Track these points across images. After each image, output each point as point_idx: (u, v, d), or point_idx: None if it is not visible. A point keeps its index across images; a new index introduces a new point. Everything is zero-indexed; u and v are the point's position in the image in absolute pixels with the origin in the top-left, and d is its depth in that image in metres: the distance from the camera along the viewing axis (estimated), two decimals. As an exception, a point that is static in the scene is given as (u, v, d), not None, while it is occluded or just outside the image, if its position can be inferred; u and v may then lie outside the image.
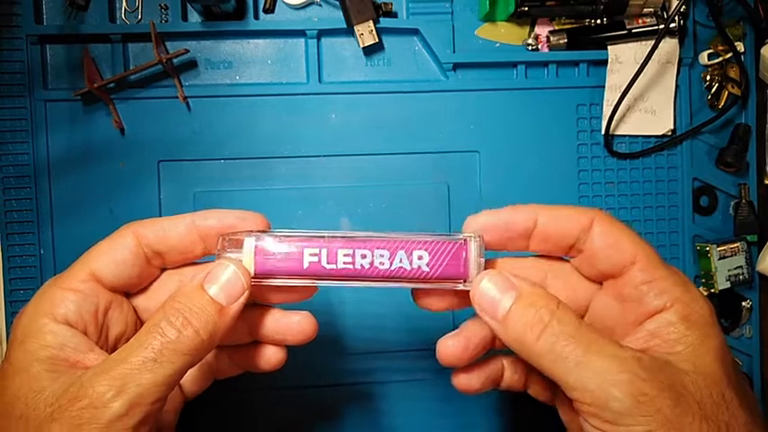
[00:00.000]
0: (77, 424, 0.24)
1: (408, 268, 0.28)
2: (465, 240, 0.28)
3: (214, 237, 0.29)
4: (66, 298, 0.27)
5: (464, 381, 0.32)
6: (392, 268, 0.28)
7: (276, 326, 0.32)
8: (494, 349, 0.32)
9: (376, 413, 0.46)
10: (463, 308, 0.30)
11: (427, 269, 0.28)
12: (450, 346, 0.30)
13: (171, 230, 0.29)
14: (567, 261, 0.30)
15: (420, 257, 0.28)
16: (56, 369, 0.26)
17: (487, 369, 0.32)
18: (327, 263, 0.28)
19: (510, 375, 0.33)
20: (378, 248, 0.28)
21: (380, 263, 0.28)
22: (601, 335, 0.25)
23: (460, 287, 0.28)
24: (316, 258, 0.28)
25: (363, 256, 0.28)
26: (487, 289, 0.27)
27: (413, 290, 0.30)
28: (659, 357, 0.25)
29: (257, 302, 0.32)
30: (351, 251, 0.28)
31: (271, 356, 0.32)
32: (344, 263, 0.28)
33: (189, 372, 0.27)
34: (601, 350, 0.24)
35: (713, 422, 0.24)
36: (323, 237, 0.28)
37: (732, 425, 0.24)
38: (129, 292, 0.30)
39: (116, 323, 0.29)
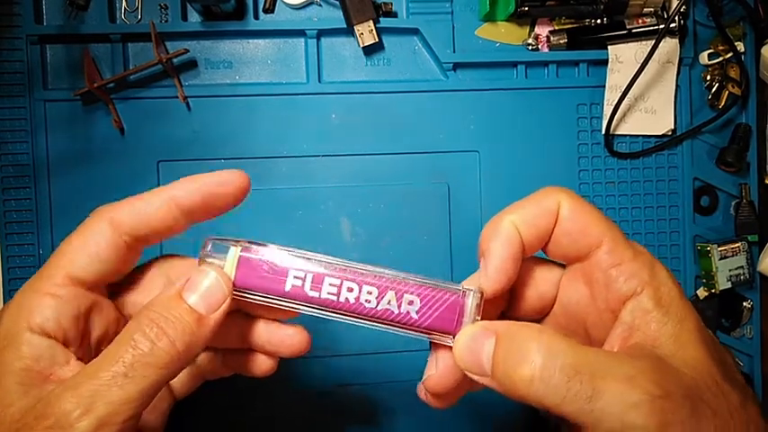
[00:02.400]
0: None
1: (395, 312, 0.26)
2: (464, 293, 0.26)
3: (198, 211, 0.27)
4: (43, 304, 0.25)
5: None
6: (378, 308, 0.26)
7: (269, 337, 0.30)
8: None
9: (377, 415, 0.46)
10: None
11: (416, 316, 0.26)
12: (437, 386, 0.27)
13: (148, 211, 0.27)
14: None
15: (411, 302, 0.26)
16: (28, 382, 0.24)
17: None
18: (311, 289, 0.26)
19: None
20: (366, 284, 0.26)
21: (366, 300, 0.26)
22: (597, 351, 0.24)
23: (450, 343, 0.26)
24: (300, 282, 0.26)
25: (350, 290, 0.26)
26: (465, 343, 0.25)
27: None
28: (650, 354, 0.24)
29: (245, 311, 0.31)
30: (338, 282, 0.26)
31: (262, 363, 0.31)
32: (329, 293, 0.26)
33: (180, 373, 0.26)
34: (608, 374, 0.22)
35: (719, 416, 0.23)
36: (311, 260, 0.26)
37: (732, 411, 0.24)
38: (113, 283, 0.28)
39: (98, 326, 0.27)
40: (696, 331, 0.25)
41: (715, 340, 0.27)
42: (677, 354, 0.24)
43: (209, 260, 0.26)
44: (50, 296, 0.25)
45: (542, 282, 0.29)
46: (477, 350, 0.24)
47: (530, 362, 0.23)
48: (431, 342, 0.27)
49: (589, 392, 0.22)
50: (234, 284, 0.26)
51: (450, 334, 0.26)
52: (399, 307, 0.26)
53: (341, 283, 0.26)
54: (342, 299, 0.26)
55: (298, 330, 0.30)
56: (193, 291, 0.25)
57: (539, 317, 0.30)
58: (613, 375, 0.22)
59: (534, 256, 0.29)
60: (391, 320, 0.26)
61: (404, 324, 0.26)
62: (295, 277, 0.26)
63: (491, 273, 0.26)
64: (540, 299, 0.29)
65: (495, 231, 0.26)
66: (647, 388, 0.22)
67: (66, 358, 0.25)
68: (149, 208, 0.27)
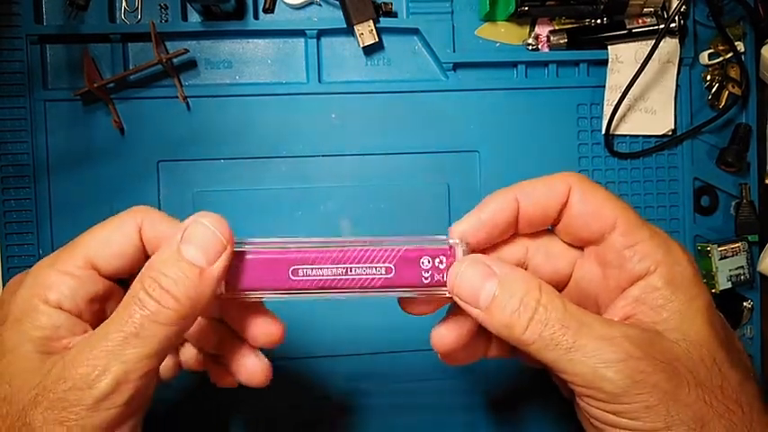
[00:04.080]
0: (62, 407, 0.23)
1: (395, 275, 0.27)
2: (450, 247, 0.27)
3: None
4: (61, 281, 0.26)
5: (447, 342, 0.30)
6: (377, 277, 0.27)
7: (237, 358, 0.31)
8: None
9: (377, 415, 0.46)
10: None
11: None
12: (446, 336, 0.29)
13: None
14: (547, 231, 0.30)
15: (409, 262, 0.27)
16: (47, 350, 0.25)
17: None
18: (311, 275, 0.26)
19: (497, 342, 0.32)
20: (361, 258, 0.26)
21: (364, 272, 0.27)
22: (588, 314, 0.25)
23: (447, 294, 0.27)
24: (300, 269, 0.26)
25: (348, 270, 0.26)
26: (466, 278, 0.26)
27: (399, 299, 0.29)
28: (648, 328, 0.25)
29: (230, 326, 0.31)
30: (333, 263, 0.26)
31: (226, 377, 0.32)
32: (330, 274, 0.26)
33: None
34: (591, 332, 0.24)
35: (707, 388, 0.24)
36: (304, 245, 0.27)
37: (725, 387, 0.24)
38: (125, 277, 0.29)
39: (111, 311, 0.27)
40: (704, 309, 0.26)
41: (724, 322, 0.28)
42: (679, 327, 0.25)
43: None
44: (69, 275, 0.26)
45: (559, 258, 0.29)
46: (476, 287, 0.26)
47: (527, 313, 0.25)
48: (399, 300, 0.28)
49: (570, 344, 0.24)
50: (227, 285, 0.26)
51: (443, 285, 0.27)
52: (398, 270, 0.27)
53: (337, 264, 0.26)
54: (339, 278, 0.26)
55: (263, 366, 0.30)
56: (191, 243, 0.25)
57: None
58: (596, 334, 0.24)
59: (553, 234, 0.30)
60: (395, 285, 0.27)
61: (405, 286, 0.27)
62: (293, 267, 0.26)
63: (468, 217, 0.28)
64: (556, 274, 0.30)
65: (494, 194, 0.28)
66: (625, 348, 0.24)
67: (83, 329, 0.26)
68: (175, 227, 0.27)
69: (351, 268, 0.26)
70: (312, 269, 0.26)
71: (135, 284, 0.25)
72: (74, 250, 0.27)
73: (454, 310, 0.29)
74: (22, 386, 0.24)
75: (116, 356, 0.23)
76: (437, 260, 0.27)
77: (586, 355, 0.24)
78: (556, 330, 0.24)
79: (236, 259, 0.26)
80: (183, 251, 0.25)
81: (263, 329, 0.29)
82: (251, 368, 0.30)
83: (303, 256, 0.26)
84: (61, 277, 0.26)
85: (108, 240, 0.27)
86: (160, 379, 0.33)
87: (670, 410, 0.23)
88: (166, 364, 0.33)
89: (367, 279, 0.27)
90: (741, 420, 0.24)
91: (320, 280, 0.27)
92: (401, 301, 0.29)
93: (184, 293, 0.24)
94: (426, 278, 0.27)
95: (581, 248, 0.29)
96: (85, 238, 0.27)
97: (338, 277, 0.27)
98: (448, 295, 0.27)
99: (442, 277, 0.27)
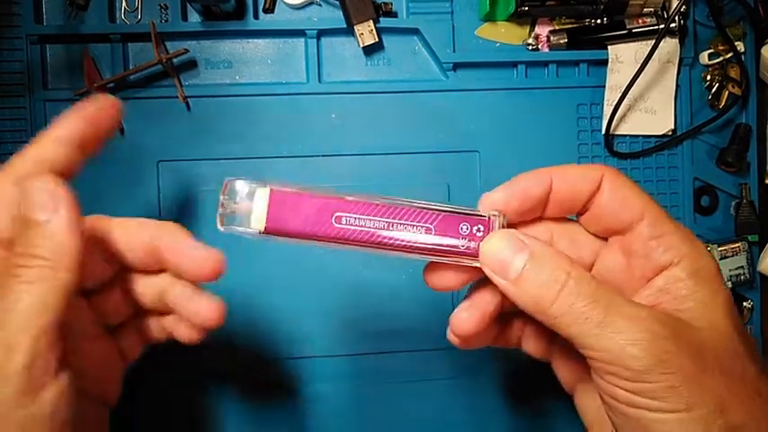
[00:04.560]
0: None
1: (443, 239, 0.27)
2: (489, 218, 0.27)
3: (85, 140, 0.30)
4: None
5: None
6: (411, 236, 0.27)
7: (184, 302, 0.31)
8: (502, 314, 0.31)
9: (377, 415, 0.46)
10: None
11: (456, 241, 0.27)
12: (466, 320, 0.29)
13: (46, 157, 0.28)
14: (572, 220, 0.30)
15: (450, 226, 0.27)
16: None
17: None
18: (354, 224, 0.26)
19: (510, 328, 0.32)
20: (403, 217, 0.27)
21: (406, 229, 0.27)
22: (618, 293, 0.25)
23: (478, 264, 0.27)
24: (344, 217, 0.26)
25: (390, 225, 0.27)
26: (498, 249, 0.26)
27: (426, 270, 0.29)
28: (673, 314, 0.26)
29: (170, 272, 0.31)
30: (378, 216, 0.26)
31: (184, 331, 0.32)
32: (366, 225, 0.26)
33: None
34: (620, 310, 0.25)
35: (730, 375, 0.24)
36: (348, 197, 0.27)
37: (746, 377, 0.25)
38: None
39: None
40: (726, 304, 0.26)
41: (740, 318, 0.28)
42: (703, 316, 0.25)
43: (233, 208, 0.26)
44: None
45: (583, 246, 0.30)
46: (507, 258, 0.26)
47: (556, 285, 0.25)
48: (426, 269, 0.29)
49: (600, 319, 0.24)
50: (268, 224, 0.26)
51: (476, 256, 0.27)
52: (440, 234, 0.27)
53: (380, 217, 0.26)
54: (380, 231, 0.26)
55: (213, 305, 0.30)
56: (31, 208, 0.26)
57: None
58: (626, 313, 0.24)
59: (578, 223, 0.30)
60: (431, 247, 0.27)
61: (441, 251, 0.27)
62: (337, 214, 0.26)
63: (501, 187, 0.28)
64: (580, 261, 0.30)
65: (529, 172, 0.28)
66: (653, 328, 0.24)
67: None
68: (45, 153, 0.29)
69: (393, 224, 0.27)
70: (355, 218, 0.26)
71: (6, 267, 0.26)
72: None
73: (475, 293, 0.30)
74: None
75: (10, 310, 0.24)
76: (475, 228, 0.27)
77: (615, 330, 0.24)
78: (587, 303, 0.24)
79: (280, 199, 0.26)
80: (29, 215, 0.26)
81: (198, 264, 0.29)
82: (203, 310, 0.30)
83: (348, 205, 0.26)
84: None
85: None
86: (127, 360, 0.33)
87: (692, 392, 0.24)
88: (127, 343, 0.33)
89: (406, 237, 0.27)
90: (761, 409, 0.25)
91: (361, 231, 0.26)
92: (428, 273, 0.29)
93: (43, 250, 0.25)
94: (462, 245, 0.27)
95: (605, 239, 0.29)
96: None
97: (379, 231, 0.26)
98: (479, 266, 0.27)
99: (477, 246, 0.27)
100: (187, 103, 0.44)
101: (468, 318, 0.29)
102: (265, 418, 0.45)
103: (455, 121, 0.46)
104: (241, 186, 0.27)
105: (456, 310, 0.29)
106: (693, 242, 0.27)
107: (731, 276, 0.46)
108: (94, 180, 0.44)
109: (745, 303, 0.48)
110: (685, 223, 0.48)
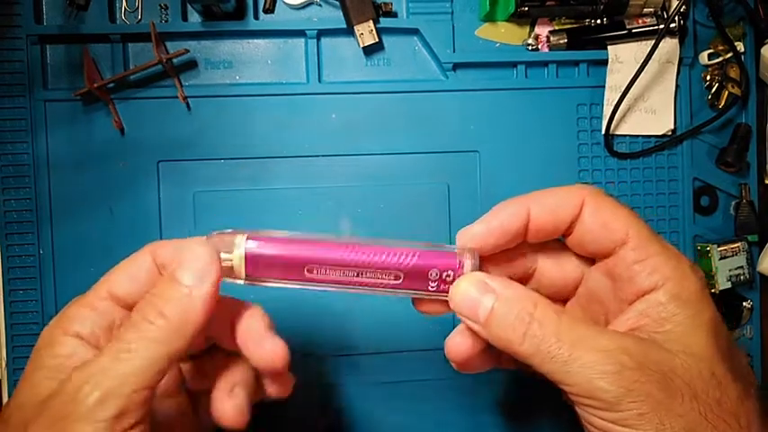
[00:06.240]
0: (59, 417, 0.24)
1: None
2: (459, 262, 0.28)
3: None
4: (81, 315, 0.28)
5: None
6: (381, 281, 0.28)
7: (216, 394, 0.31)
8: None
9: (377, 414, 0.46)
10: None
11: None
12: (460, 344, 0.29)
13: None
14: (558, 241, 0.30)
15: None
16: (56, 375, 0.26)
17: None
18: (324, 273, 0.28)
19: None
20: (367, 266, 0.28)
21: (377, 276, 0.28)
22: (584, 325, 0.26)
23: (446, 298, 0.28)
24: (310, 270, 0.28)
25: (359, 274, 0.28)
26: (465, 294, 0.27)
27: (413, 298, 0.30)
28: (647, 338, 0.26)
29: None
30: (346, 265, 0.28)
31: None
32: (336, 275, 0.28)
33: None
34: (586, 344, 0.25)
35: (703, 400, 0.25)
36: (316, 243, 0.28)
37: (723, 400, 0.25)
38: None
39: None
40: (708, 323, 0.26)
41: (728, 336, 0.28)
42: (679, 339, 0.26)
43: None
44: (89, 308, 0.28)
45: (568, 268, 0.30)
46: (474, 302, 0.27)
47: (522, 328, 0.26)
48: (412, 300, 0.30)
49: (566, 357, 0.25)
50: (247, 275, 0.28)
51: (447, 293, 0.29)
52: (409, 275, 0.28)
53: (349, 267, 0.28)
54: (350, 278, 0.28)
55: (238, 408, 0.30)
56: (182, 268, 0.27)
57: (562, 298, 0.31)
58: (591, 346, 0.25)
59: (564, 245, 0.30)
60: (398, 288, 0.28)
61: (415, 289, 0.29)
62: (308, 266, 0.28)
63: (478, 223, 0.28)
64: (565, 283, 0.30)
65: (506, 202, 0.29)
66: (620, 359, 0.25)
67: (95, 354, 0.27)
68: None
69: (362, 272, 0.28)
70: (325, 269, 0.28)
71: (134, 310, 0.27)
72: (97, 285, 0.29)
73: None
74: (25, 403, 0.26)
75: (107, 372, 0.25)
76: (444, 274, 0.28)
77: (582, 366, 0.25)
78: (552, 344, 0.25)
79: (256, 252, 0.28)
80: (179, 277, 0.27)
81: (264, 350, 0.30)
82: (227, 409, 0.30)
83: (317, 257, 0.28)
84: (82, 309, 0.28)
85: (127, 268, 0.29)
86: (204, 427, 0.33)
87: (663, 419, 0.24)
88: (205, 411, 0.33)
89: (377, 282, 0.28)
90: None
91: (332, 279, 0.28)
92: (414, 301, 0.30)
93: (174, 311, 0.26)
94: (432, 287, 0.28)
95: (592, 260, 0.30)
96: (107, 274, 0.29)
97: (350, 278, 0.28)
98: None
99: (448, 289, 0.28)
100: (187, 103, 0.44)
101: (461, 342, 0.29)
102: (264, 417, 0.45)
103: (455, 122, 0.46)
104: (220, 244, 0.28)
105: (451, 334, 0.30)
106: (678, 262, 0.27)
107: (731, 276, 0.47)
108: (94, 180, 0.44)
109: (744, 303, 0.48)
110: (685, 223, 0.48)
